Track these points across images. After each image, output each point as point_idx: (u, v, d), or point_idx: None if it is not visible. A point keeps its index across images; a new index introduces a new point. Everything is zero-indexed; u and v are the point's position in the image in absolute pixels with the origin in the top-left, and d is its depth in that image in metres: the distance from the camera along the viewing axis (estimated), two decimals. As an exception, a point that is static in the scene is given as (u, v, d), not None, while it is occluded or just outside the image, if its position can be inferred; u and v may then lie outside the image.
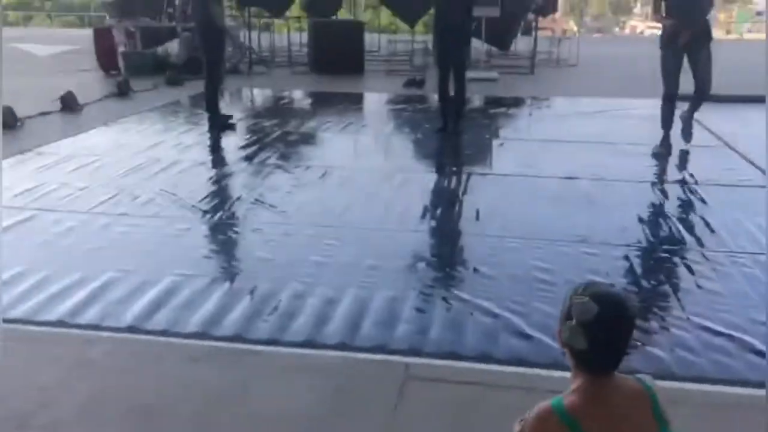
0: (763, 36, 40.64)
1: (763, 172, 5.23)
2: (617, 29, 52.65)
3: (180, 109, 8.17)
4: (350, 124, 7.43)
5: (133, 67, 10.83)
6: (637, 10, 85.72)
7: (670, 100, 5.93)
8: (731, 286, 3.34)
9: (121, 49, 11.36)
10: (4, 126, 6.68)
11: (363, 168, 5.54)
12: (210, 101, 6.80)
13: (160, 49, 12.27)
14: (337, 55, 11.16)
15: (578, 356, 1.43)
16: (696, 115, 6.09)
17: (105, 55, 10.98)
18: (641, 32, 45.63)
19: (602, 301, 1.39)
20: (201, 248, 3.89)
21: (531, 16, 13.39)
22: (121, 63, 11.02)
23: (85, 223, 4.20)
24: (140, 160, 5.61)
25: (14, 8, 44.89)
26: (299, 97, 9.58)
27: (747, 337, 2.84)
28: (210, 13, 6.47)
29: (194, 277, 3.39)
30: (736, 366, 2.65)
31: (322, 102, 8.85)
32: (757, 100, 8.31)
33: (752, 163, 5.53)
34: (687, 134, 6.08)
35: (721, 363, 2.67)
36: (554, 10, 14.74)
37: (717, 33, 6.38)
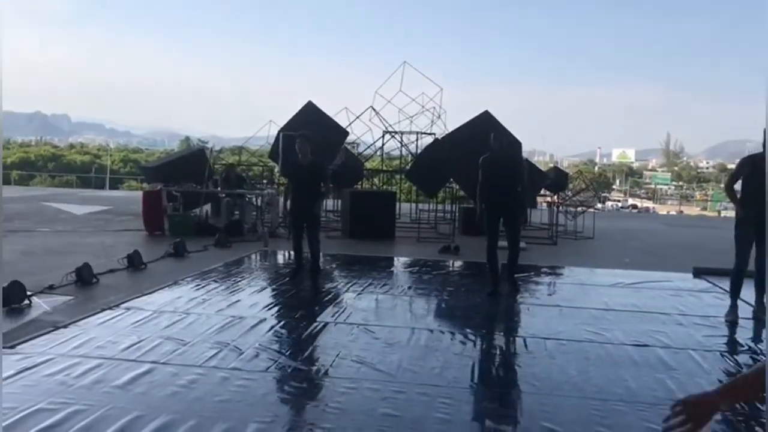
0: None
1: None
2: (599, 204, 55.20)
3: (238, 270, 8.53)
4: (403, 288, 7.76)
5: (176, 228, 11.36)
6: (616, 185, 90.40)
7: (739, 273, 6.47)
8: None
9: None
10: (83, 282, 7.00)
11: (442, 329, 5.83)
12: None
13: (198, 212, 12.95)
14: (371, 221, 11.89)
15: None
16: None
17: (152, 216, 11.56)
18: (613, 207, 48.23)
19: None
20: (319, 402, 4.09)
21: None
22: (166, 224, 11.57)
23: (205, 376, 4.39)
24: (226, 318, 5.88)
25: (18, 167, 46.74)
26: (343, 259, 10.00)
27: None
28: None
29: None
30: None
31: (366, 264, 9.29)
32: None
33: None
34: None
35: None
36: (565, 187, 15.85)
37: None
